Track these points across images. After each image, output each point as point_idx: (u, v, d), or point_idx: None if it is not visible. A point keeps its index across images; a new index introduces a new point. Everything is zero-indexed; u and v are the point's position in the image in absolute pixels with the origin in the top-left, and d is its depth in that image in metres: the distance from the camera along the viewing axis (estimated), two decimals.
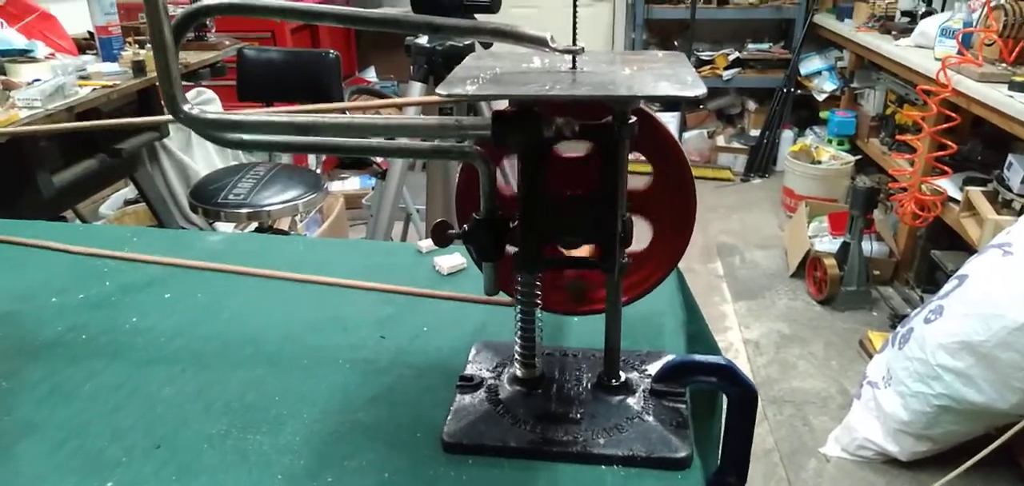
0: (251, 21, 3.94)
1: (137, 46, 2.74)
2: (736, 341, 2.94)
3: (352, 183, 4.26)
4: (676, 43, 4.87)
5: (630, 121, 0.52)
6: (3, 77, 2.27)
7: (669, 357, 0.66)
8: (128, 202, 3.52)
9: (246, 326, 0.78)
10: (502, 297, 0.67)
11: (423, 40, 1.58)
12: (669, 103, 4.77)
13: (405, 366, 0.71)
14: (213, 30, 3.16)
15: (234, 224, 2.56)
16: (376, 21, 0.59)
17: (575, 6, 0.56)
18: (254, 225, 2.62)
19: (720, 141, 4.70)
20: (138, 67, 2.47)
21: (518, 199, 0.55)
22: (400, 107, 1.32)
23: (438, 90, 0.50)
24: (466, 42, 1.59)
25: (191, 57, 2.80)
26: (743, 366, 2.75)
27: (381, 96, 4.12)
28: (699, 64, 4.76)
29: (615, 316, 0.59)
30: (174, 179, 3.19)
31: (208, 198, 2.48)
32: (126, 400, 0.66)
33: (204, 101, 3.51)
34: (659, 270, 0.64)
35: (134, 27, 3.00)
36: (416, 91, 1.59)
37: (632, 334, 0.71)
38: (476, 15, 1.49)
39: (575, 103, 0.50)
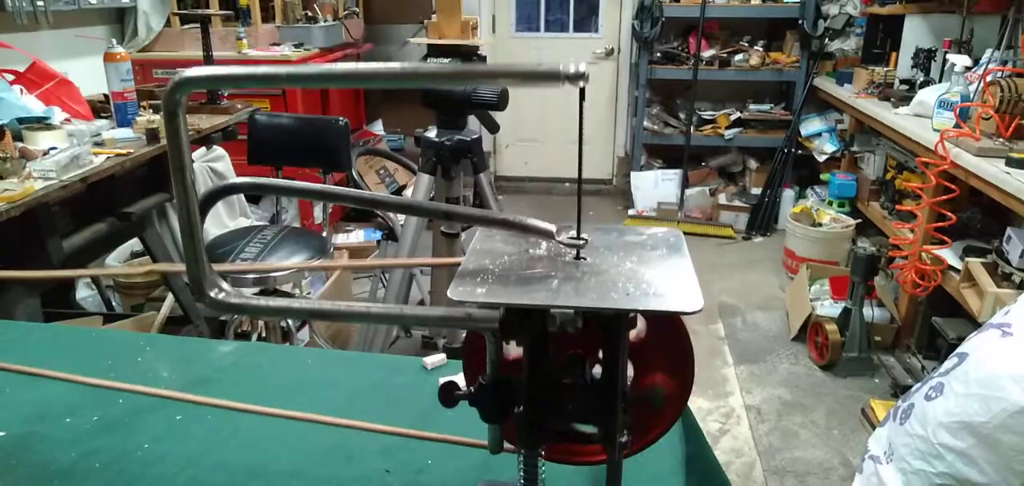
0: None
1: (152, 111, 2.80)
2: (738, 407, 2.95)
3: (357, 236, 4.30)
4: (678, 102, 4.94)
5: (630, 317, 0.55)
6: (21, 145, 2.32)
7: None
8: (135, 254, 3.56)
9: (254, 455, 0.81)
10: None
11: (432, 133, 1.63)
12: (669, 163, 4.83)
13: None
14: (226, 94, 3.22)
15: (241, 287, 2.60)
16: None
17: (580, 198, 0.59)
18: (257, 290, 2.65)
19: (722, 199, 4.74)
20: (152, 135, 2.53)
21: (524, 381, 0.58)
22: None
23: (450, 293, 0.53)
24: (473, 136, 1.63)
25: (203, 122, 2.85)
26: (745, 434, 2.75)
27: (388, 155, 4.17)
28: (701, 123, 4.83)
29: (615, 481, 0.61)
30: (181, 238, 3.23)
31: (216, 262, 2.51)
32: None
33: (215, 157, 3.57)
34: (658, 427, 0.67)
35: (148, 91, 3.07)
36: (424, 182, 1.63)
37: (632, 479, 0.73)
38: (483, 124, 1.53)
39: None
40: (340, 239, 4.28)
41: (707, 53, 4.71)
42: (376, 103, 5.28)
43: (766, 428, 2.79)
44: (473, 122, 2.00)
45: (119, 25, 4.12)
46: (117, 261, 3.59)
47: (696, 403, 2.93)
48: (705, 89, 4.81)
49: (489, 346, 0.60)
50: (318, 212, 4.45)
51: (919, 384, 2.33)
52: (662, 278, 0.56)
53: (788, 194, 4.58)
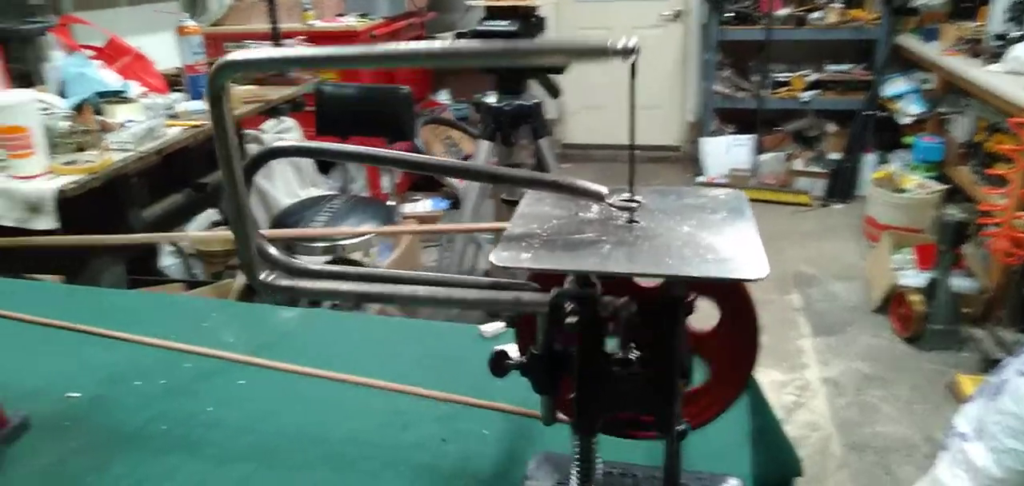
0: None
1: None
2: (814, 380, 2.85)
3: (424, 205, 4.34)
4: (751, 64, 4.76)
5: (688, 298, 0.51)
6: (100, 117, 2.41)
7: (733, 482, 0.65)
8: (215, 223, 3.68)
9: (314, 421, 0.81)
10: None
11: (491, 99, 1.60)
12: (742, 128, 4.67)
13: (467, 476, 0.72)
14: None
15: (310, 257, 2.65)
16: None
17: (632, 160, 0.55)
18: (329, 257, 2.70)
19: (797, 165, 4.57)
20: None
21: (575, 368, 0.55)
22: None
23: (492, 259, 0.51)
24: (533, 101, 1.60)
25: (272, 93, 2.90)
26: (822, 408, 2.66)
27: (451, 124, 4.17)
28: (775, 86, 4.64)
29: (674, 472, 0.58)
30: (257, 207, 3.31)
31: (286, 227, 2.57)
32: None
33: (284, 129, 3.64)
34: (714, 406, 0.63)
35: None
36: (483, 149, 1.61)
37: (694, 451, 0.70)
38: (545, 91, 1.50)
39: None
40: (408, 208, 4.32)
41: (782, 12, 4.51)
42: (443, 72, 5.28)
43: (844, 401, 2.69)
44: (536, 88, 1.97)
45: (193, 0, 4.21)
46: (198, 230, 3.72)
47: (769, 376, 2.85)
48: (779, 50, 4.61)
49: (540, 318, 0.58)
50: (386, 182, 4.50)
51: (1012, 358, 2.19)
52: (723, 243, 0.52)
53: (869, 159, 4.37)
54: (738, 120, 4.84)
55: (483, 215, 2.69)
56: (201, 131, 2.45)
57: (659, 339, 0.55)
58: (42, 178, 1.90)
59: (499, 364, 0.64)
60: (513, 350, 0.62)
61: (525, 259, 0.50)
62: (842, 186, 4.40)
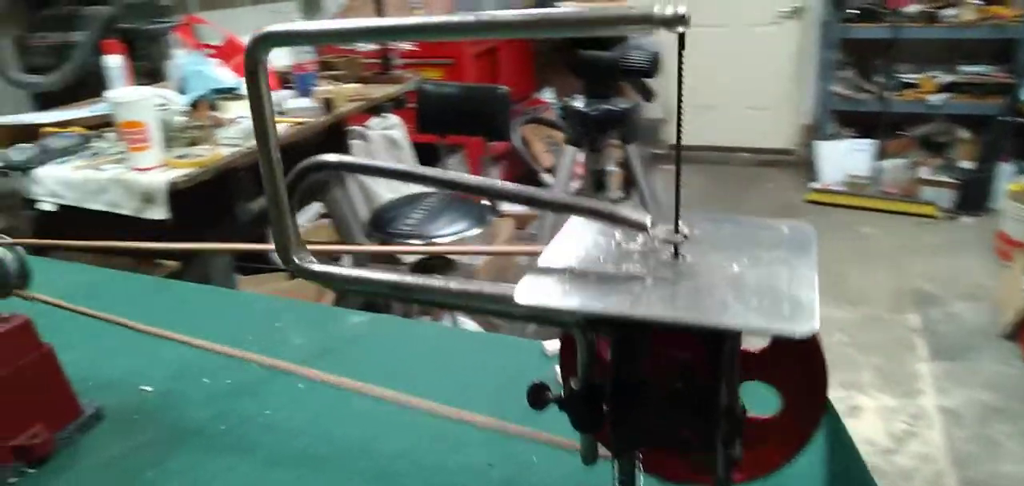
0: (434, 49, 4.13)
1: (330, 82, 2.97)
2: (929, 408, 2.64)
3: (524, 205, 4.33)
4: (875, 64, 4.46)
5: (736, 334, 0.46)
6: (214, 113, 2.54)
7: None
8: (322, 215, 3.82)
9: (364, 432, 0.80)
10: None
11: (579, 102, 1.56)
12: (862, 132, 4.40)
13: None
14: (398, 65, 3.34)
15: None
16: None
17: (678, 180, 0.51)
18: (425, 256, 2.74)
19: (923, 173, 4.25)
20: (327, 104, 2.67)
21: (611, 387, 0.52)
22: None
23: (515, 294, 0.48)
24: (623, 106, 1.55)
25: (375, 91, 2.97)
26: (937, 440, 2.46)
27: (549, 124, 4.15)
28: (901, 87, 4.34)
29: None
30: (359, 201, 3.41)
31: (382, 226, 2.63)
32: None
33: (389, 126, 3.73)
34: (783, 449, 0.57)
35: (328, 62, 3.25)
36: (569, 154, 1.58)
37: None
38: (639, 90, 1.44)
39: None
40: (508, 206, 4.34)
41: (911, 8, 4.21)
42: (547, 70, 5.26)
43: (964, 434, 2.48)
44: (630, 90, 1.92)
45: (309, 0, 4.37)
46: (309, 222, 3.88)
47: (880, 400, 2.66)
48: (907, 49, 4.30)
49: (580, 346, 0.54)
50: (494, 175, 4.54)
51: None
52: (774, 287, 0.46)
53: (1005, 169, 4.00)
54: (858, 123, 4.56)
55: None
56: (306, 127, 2.54)
57: (704, 372, 0.50)
58: (157, 170, 2.02)
59: (538, 397, 0.61)
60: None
61: (548, 295, 0.47)
62: (973, 198, 4.06)
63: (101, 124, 2.33)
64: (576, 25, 0.47)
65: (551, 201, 0.58)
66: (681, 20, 0.44)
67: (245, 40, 2.16)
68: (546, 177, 3.89)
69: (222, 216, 2.41)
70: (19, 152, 2.05)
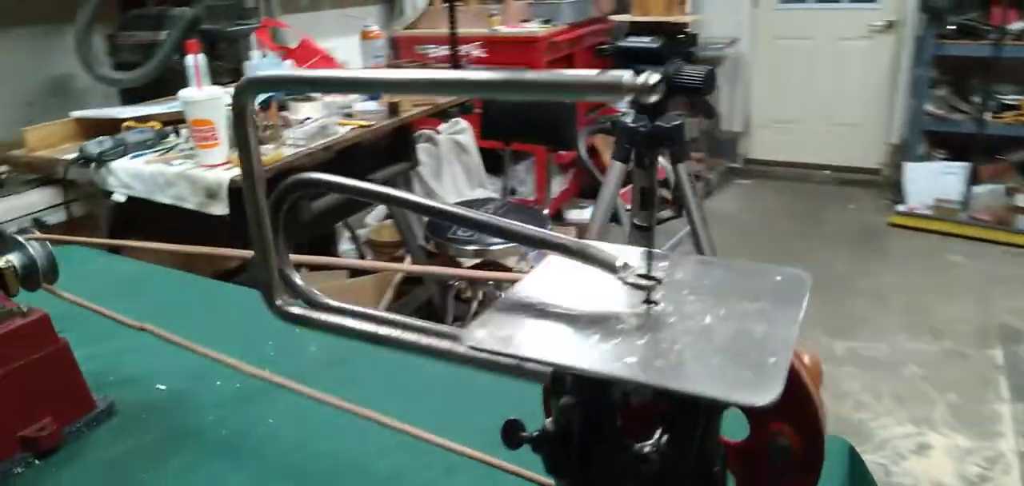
0: (507, 55, 4.13)
1: None
2: (1008, 452, 2.45)
3: (587, 213, 4.29)
4: (973, 83, 4.19)
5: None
6: (285, 114, 2.61)
7: None
8: (387, 216, 3.89)
9: (359, 450, 0.79)
10: None
11: (628, 118, 1.52)
12: (955, 154, 4.15)
13: None
14: (466, 69, 3.36)
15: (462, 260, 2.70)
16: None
17: (652, 226, 0.47)
18: (478, 261, 2.74)
19: (1020, 200, 3.96)
20: (392, 108, 2.70)
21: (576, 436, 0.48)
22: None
23: (464, 335, 0.46)
24: (674, 122, 1.50)
25: (441, 98, 2.99)
26: (1014, 485, 2.28)
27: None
28: (1000, 109, 4.06)
29: None
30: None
31: (440, 232, 2.64)
32: None
33: (458, 130, 3.76)
34: None
35: (398, 66, 3.29)
36: (615, 171, 1.53)
37: None
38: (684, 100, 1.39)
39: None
40: (573, 215, 4.30)
41: (1015, 25, 3.93)
42: None
43: None
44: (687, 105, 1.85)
45: (391, 4, 4.45)
46: (375, 221, 3.95)
47: (953, 440, 2.49)
48: (1009, 68, 4.01)
49: (545, 393, 0.51)
50: (555, 186, 4.51)
51: None
52: (744, 345, 0.42)
53: None
54: (951, 145, 4.29)
55: (614, 235, 2.60)
56: (369, 130, 2.58)
57: (678, 440, 0.46)
58: (221, 168, 2.08)
59: (512, 435, 0.58)
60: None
61: (497, 337, 0.44)
62: None
63: (177, 120, 2.43)
64: (547, 88, 0.45)
65: (523, 234, 0.55)
66: (651, 89, 0.41)
67: (321, 43, 2.22)
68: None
69: (287, 214, 2.47)
70: (97, 144, 2.15)
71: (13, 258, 0.85)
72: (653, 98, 0.42)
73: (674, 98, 1.53)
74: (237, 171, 2.07)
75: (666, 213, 1.57)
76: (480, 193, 3.74)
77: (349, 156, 2.61)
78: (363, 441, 0.81)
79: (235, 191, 2.04)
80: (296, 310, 0.63)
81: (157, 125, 2.38)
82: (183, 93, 2.16)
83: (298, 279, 0.66)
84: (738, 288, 0.49)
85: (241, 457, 0.80)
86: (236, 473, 0.77)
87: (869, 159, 4.88)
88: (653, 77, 0.42)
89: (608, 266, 0.49)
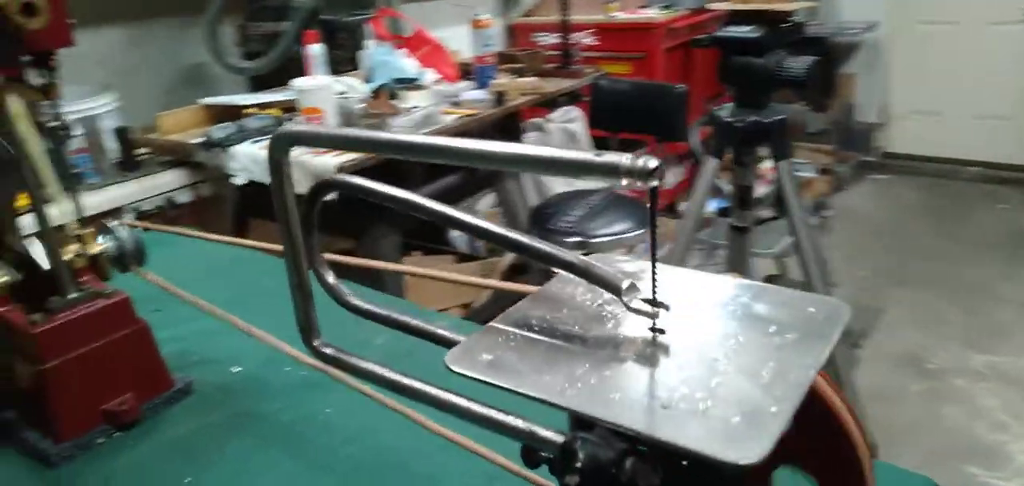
0: (622, 43, 4.05)
1: (510, 74, 3.01)
2: None
3: (708, 206, 4.14)
4: None
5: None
6: (394, 102, 2.68)
7: None
8: (496, 205, 3.92)
9: (403, 449, 0.80)
10: None
11: (725, 112, 1.44)
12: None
13: None
14: (577, 59, 3.31)
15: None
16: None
17: (654, 250, 0.44)
18: (583, 252, 2.71)
19: None
20: (498, 97, 2.71)
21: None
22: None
23: (447, 358, 0.44)
24: (776, 117, 1.41)
25: (549, 86, 2.97)
26: None
27: None
28: None
29: None
30: (531, 192, 3.45)
31: (541, 222, 2.63)
32: None
33: (570, 118, 3.73)
34: None
35: (510, 55, 3.30)
36: (710, 167, 1.46)
37: None
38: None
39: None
40: (685, 206, 4.17)
41: None
42: None
43: None
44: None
45: None
46: (485, 208, 4.00)
47: None
48: None
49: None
50: (670, 177, 4.39)
51: None
52: (745, 387, 0.38)
53: None
54: None
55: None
56: (473, 119, 2.60)
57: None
58: (329, 154, 2.17)
59: (531, 455, 0.56)
60: None
61: (476, 363, 0.43)
62: None
63: (294, 107, 2.55)
64: (545, 165, 0.43)
65: (527, 246, 0.53)
66: (651, 173, 0.38)
67: (434, 32, 2.27)
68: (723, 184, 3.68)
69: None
70: (220, 130, 2.29)
71: (106, 244, 0.91)
72: (653, 183, 0.40)
73: (776, 91, 1.43)
74: (345, 158, 2.15)
75: (766, 213, 1.48)
76: (590, 183, 3.70)
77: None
78: (410, 439, 0.81)
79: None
80: (330, 351, 0.65)
81: (276, 112, 2.51)
82: (296, 82, 2.26)
83: (330, 277, 0.67)
84: (764, 318, 0.45)
85: (295, 445, 0.82)
86: (287, 460, 0.80)
87: (1022, 155, 4.42)
88: (652, 162, 0.39)
89: (613, 288, 0.46)
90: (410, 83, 2.81)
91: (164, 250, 1.20)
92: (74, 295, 0.83)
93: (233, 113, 2.49)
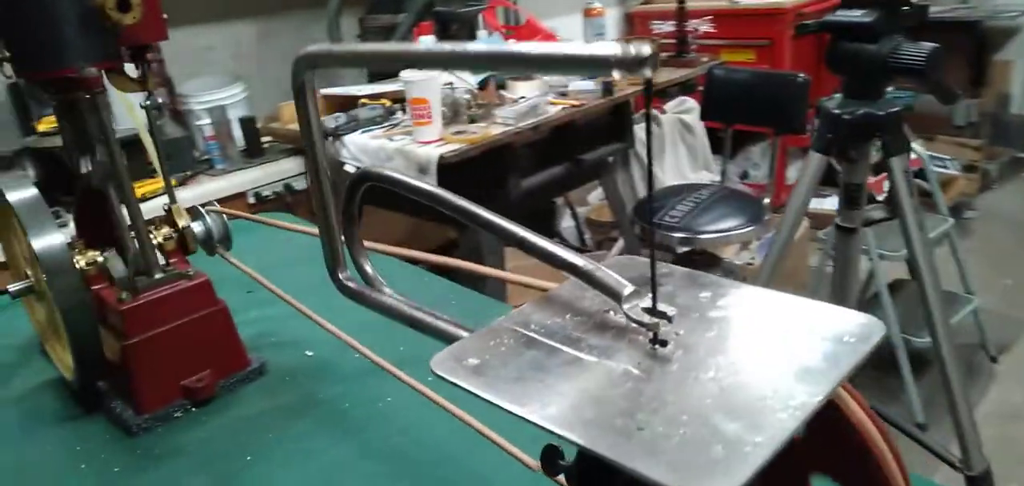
0: (745, 29, 3.88)
1: None
2: None
3: (831, 202, 3.89)
4: None
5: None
6: (503, 92, 2.70)
7: None
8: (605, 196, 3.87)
9: (457, 439, 0.79)
10: None
11: (832, 102, 1.34)
12: None
13: None
14: (693, 47, 3.20)
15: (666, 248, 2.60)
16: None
17: (653, 265, 0.40)
18: (686, 250, 2.62)
19: None
20: (606, 87, 2.66)
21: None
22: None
23: (433, 362, 0.43)
24: (889, 110, 1.30)
25: (661, 75, 2.89)
26: None
27: None
28: None
29: None
30: (640, 185, 3.37)
31: (646, 216, 2.57)
32: None
33: (686, 109, 3.61)
34: None
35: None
36: (813, 163, 1.36)
37: None
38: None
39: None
40: (813, 204, 3.93)
41: None
42: None
43: None
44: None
45: None
46: (597, 200, 3.96)
47: None
48: None
49: None
50: (793, 172, 4.16)
51: None
52: (736, 414, 0.35)
53: None
54: None
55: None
56: (578, 109, 2.57)
57: None
58: (433, 145, 2.21)
59: (551, 462, 0.54)
60: None
61: (459, 367, 0.41)
62: None
63: (403, 98, 2.62)
64: (529, 63, 0.40)
65: (533, 244, 0.51)
66: (644, 61, 0.35)
67: (546, 23, 2.27)
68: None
69: (496, 191, 2.55)
70: (333, 120, 2.39)
71: (194, 225, 0.96)
72: (646, 73, 0.36)
73: (891, 81, 1.32)
74: (448, 148, 2.19)
75: (877, 214, 1.36)
76: (705, 177, 3.57)
77: (560, 135, 2.63)
78: (461, 437, 0.81)
79: (445, 167, 2.15)
80: (354, 286, 0.65)
81: (386, 102, 2.59)
82: (404, 73, 2.32)
83: (368, 265, 0.67)
84: (785, 334, 0.41)
85: (351, 432, 0.84)
86: (341, 445, 0.82)
87: None
88: (645, 48, 0.36)
89: (613, 295, 0.43)
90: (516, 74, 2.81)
91: (253, 237, 1.27)
92: (159, 276, 0.89)
93: (348, 103, 2.58)
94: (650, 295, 0.42)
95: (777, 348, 0.40)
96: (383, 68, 2.48)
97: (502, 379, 0.40)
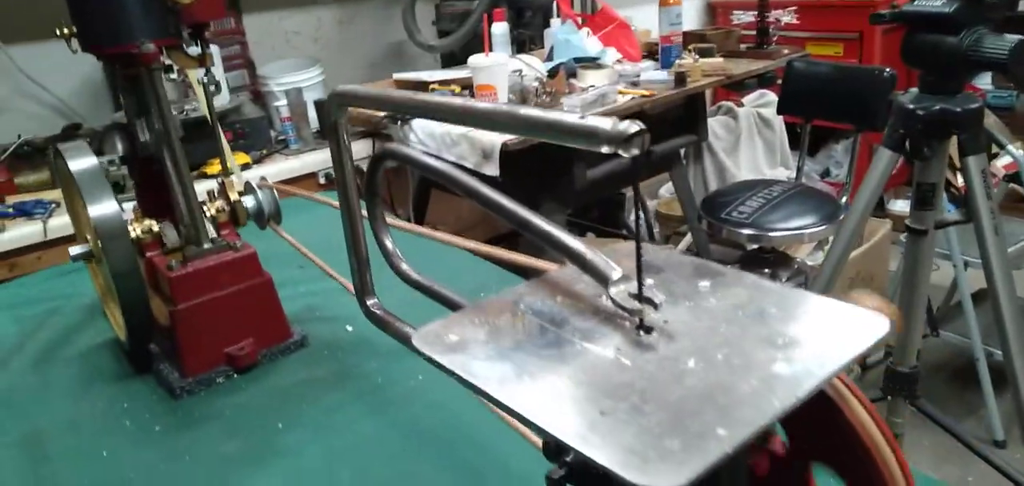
0: (832, 22, 3.73)
1: (695, 55, 2.88)
2: None
3: (904, 204, 3.70)
4: None
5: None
6: (573, 81, 2.67)
7: None
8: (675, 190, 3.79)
9: (484, 420, 0.79)
10: None
11: (907, 97, 1.27)
12: None
13: None
14: (775, 39, 3.09)
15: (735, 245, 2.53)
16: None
17: (638, 242, 0.39)
18: (755, 247, 2.54)
19: None
20: (679, 78, 2.61)
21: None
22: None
23: (414, 337, 0.43)
24: (969, 106, 1.22)
25: (735, 68, 2.80)
26: None
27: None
28: None
29: None
30: (712, 180, 3.29)
31: (714, 211, 2.50)
32: (346, 464, 0.76)
33: (765, 102, 3.50)
34: None
35: (700, 34, 3.16)
36: (884, 159, 1.29)
37: None
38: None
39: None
40: (898, 206, 3.75)
41: None
42: None
43: None
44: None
45: None
46: (668, 194, 3.88)
47: None
48: None
49: None
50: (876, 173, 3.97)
51: None
52: (706, 406, 0.33)
53: None
54: None
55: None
56: (649, 100, 2.52)
57: None
58: (496, 132, 2.21)
59: (554, 450, 0.54)
60: None
61: (440, 343, 0.41)
62: None
63: (471, 84, 2.63)
64: (523, 126, 0.40)
65: (531, 224, 0.50)
66: (632, 139, 0.35)
67: (621, 11, 2.25)
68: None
69: (559, 179, 2.54)
70: None
71: (246, 199, 1.00)
72: (633, 151, 0.36)
73: (971, 76, 1.23)
74: (509, 136, 2.19)
75: (952, 215, 1.28)
76: (781, 173, 3.45)
77: None
78: (488, 419, 0.81)
79: (507, 154, 2.16)
80: (380, 313, 0.67)
81: (456, 88, 2.61)
82: (471, 59, 2.33)
83: (389, 243, 0.68)
84: (781, 327, 0.39)
85: (380, 405, 0.85)
86: (370, 419, 0.83)
87: None
88: (633, 126, 0.35)
89: (601, 279, 0.42)
90: (590, 62, 2.78)
91: (310, 215, 1.30)
92: (207, 246, 0.92)
93: (419, 88, 2.62)
94: (624, 283, 0.41)
95: (767, 342, 0.38)
96: (400, 112, 2.49)
97: (478, 358, 0.40)
